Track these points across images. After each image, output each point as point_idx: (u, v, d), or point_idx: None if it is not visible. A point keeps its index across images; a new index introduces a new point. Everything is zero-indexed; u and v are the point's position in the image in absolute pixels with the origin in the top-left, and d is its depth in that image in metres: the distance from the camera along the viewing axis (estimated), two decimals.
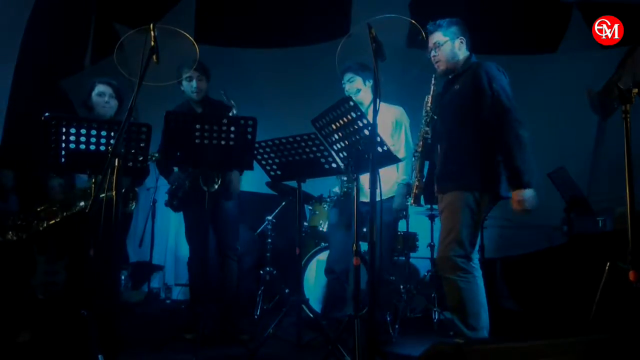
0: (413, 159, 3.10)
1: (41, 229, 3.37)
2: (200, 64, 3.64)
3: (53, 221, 3.40)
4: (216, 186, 3.22)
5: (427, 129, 3.01)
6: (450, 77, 3.02)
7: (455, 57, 2.98)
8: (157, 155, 3.32)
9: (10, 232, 3.37)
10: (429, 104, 3.02)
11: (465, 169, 2.81)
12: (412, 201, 3.04)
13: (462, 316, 2.72)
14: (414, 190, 3.00)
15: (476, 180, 2.78)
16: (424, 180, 3.01)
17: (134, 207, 3.60)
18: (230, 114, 3.37)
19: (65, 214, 3.40)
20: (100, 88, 3.59)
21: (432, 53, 3.01)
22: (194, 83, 3.63)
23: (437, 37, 2.98)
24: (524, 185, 2.67)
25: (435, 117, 3.00)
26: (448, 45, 2.96)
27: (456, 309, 2.74)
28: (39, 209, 3.41)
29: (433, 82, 3.04)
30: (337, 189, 3.90)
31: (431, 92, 3.03)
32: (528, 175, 2.67)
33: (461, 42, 2.98)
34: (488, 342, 2.53)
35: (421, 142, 3.02)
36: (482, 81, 2.80)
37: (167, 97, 3.95)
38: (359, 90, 3.69)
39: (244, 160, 3.07)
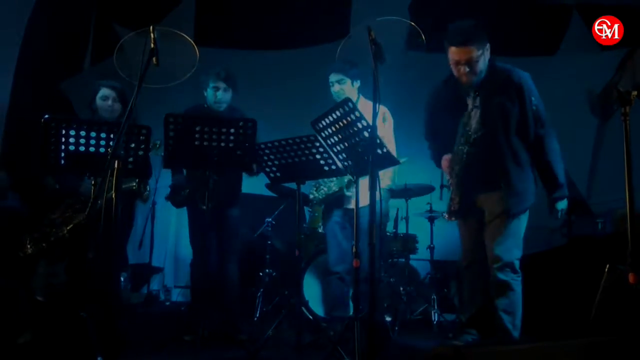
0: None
1: (61, 234, 3.35)
2: (229, 74, 3.58)
3: (72, 225, 3.36)
4: (210, 205, 3.19)
5: (467, 148, 2.87)
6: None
7: (486, 67, 2.88)
8: (157, 143, 3.24)
9: (28, 246, 3.34)
10: (472, 123, 2.87)
11: (527, 186, 2.92)
12: (447, 216, 3.01)
13: (512, 317, 2.83)
14: (452, 207, 2.96)
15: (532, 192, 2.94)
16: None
17: (148, 191, 3.57)
18: None
19: (82, 216, 3.38)
20: (104, 92, 3.52)
21: (465, 69, 2.81)
22: (218, 94, 3.57)
23: (472, 52, 2.78)
24: (566, 196, 2.91)
25: (475, 135, 2.86)
26: (482, 59, 2.83)
27: (508, 310, 2.83)
28: (53, 216, 3.38)
29: (470, 100, 2.88)
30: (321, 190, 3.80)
31: (470, 110, 2.88)
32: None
33: (487, 49, 2.87)
34: (487, 345, 2.53)
35: (460, 163, 2.91)
36: (524, 95, 2.84)
37: (168, 99, 3.95)
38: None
39: (244, 161, 3.08)
